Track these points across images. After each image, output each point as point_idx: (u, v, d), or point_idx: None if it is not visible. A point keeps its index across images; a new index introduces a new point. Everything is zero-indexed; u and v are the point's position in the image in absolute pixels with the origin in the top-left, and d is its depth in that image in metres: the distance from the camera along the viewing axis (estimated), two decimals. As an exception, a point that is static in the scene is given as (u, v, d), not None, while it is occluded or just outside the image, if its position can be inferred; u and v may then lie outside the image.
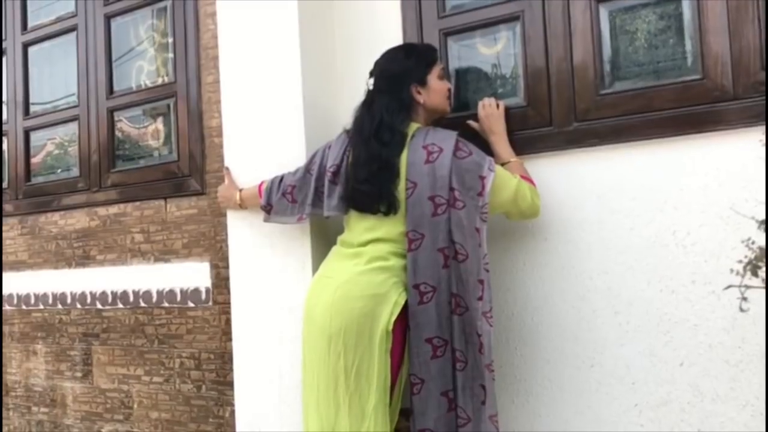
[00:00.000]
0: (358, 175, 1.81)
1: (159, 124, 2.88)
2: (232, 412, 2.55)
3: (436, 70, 1.90)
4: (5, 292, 3.30)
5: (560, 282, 2.00)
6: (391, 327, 1.74)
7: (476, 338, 1.72)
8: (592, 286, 1.96)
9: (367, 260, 1.80)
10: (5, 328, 3.30)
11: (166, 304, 2.77)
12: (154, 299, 2.80)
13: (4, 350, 3.31)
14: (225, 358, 2.60)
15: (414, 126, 1.84)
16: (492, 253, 1.87)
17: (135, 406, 2.85)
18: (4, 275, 3.31)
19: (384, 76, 1.87)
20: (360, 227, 1.86)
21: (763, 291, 1.26)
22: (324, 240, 2.18)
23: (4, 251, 3.32)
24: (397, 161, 1.78)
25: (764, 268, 1.18)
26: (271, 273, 2.27)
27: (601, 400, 1.95)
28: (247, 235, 2.32)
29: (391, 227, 1.80)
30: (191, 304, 2.70)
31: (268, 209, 2.09)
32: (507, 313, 2.07)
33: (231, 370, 2.57)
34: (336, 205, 1.89)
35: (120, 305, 2.90)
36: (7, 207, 3.32)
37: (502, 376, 2.04)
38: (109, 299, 2.93)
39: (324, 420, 1.78)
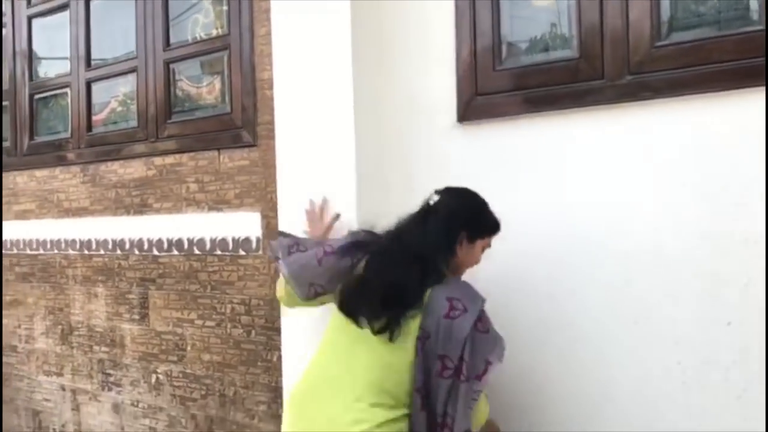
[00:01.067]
0: (378, 288, 1.65)
1: (214, 77, 2.93)
2: (280, 357, 2.63)
3: (487, 240, 1.81)
4: (68, 236, 3.46)
5: (606, 239, 1.98)
6: None
7: None
8: (640, 241, 1.93)
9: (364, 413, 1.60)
10: (69, 271, 3.47)
11: (218, 252, 2.86)
12: (208, 247, 2.89)
13: (68, 292, 3.49)
14: (273, 305, 2.68)
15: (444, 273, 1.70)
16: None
17: (188, 348, 2.98)
18: (67, 221, 3.46)
19: (454, 204, 1.76)
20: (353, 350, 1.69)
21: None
22: (368, 195, 2.22)
23: (67, 198, 3.47)
24: (423, 297, 1.63)
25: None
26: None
27: (646, 357, 1.94)
28: (296, 187, 2.37)
29: (395, 374, 1.62)
30: (242, 253, 2.78)
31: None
32: (554, 259, 2.07)
33: (279, 316, 2.65)
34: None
35: (175, 252, 3.01)
36: (70, 155, 3.46)
37: (549, 330, 2.05)
38: (165, 246, 3.05)
39: None
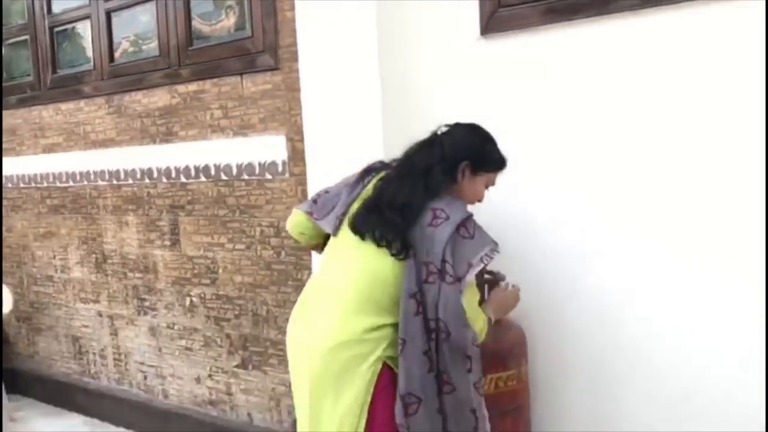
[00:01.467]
0: (389, 202, 1.72)
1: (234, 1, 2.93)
2: (309, 275, 2.72)
3: (490, 176, 1.84)
4: (97, 168, 3.53)
5: (634, 148, 2.01)
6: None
7: (470, 415, 1.68)
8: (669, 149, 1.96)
9: (348, 327, 1.68)
10: (99, 201, 3.56)
11: (245, 177, 2.92)
12: (234, 172, 2.95)
13: (100, 222, 3.59)
14: (301, 226, 2.75)
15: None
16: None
17: (220, 271, 3.08)
18: (95, 152, 3.53)
19: (453, 141, 1.79)
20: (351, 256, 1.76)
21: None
22: (392, 111, 2.24)
23: (93, 130, 3.53)
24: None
25: None
26: (344, 145, 2.37)
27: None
28: (321, 109, 2.40)
29: (382, 286, 1.69)
30: (269, 176, 2.84)
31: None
32: (580, 168, 2.11)
33: (307, 237, 2.73)
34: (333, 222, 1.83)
35: (202, 178, 3.08)
36: (93, 87, 3.49)
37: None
38: (192, 173, 3.11)
39: None
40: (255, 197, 2.91)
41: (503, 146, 1.85)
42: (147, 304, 3.42)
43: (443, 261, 1.63)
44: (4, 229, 4.17)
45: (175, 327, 3.31)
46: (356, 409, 1.67)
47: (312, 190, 2.49)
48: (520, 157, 1.98)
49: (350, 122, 2.40)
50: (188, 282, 3.21)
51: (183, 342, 3.28)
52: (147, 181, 3.31)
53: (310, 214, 1.92)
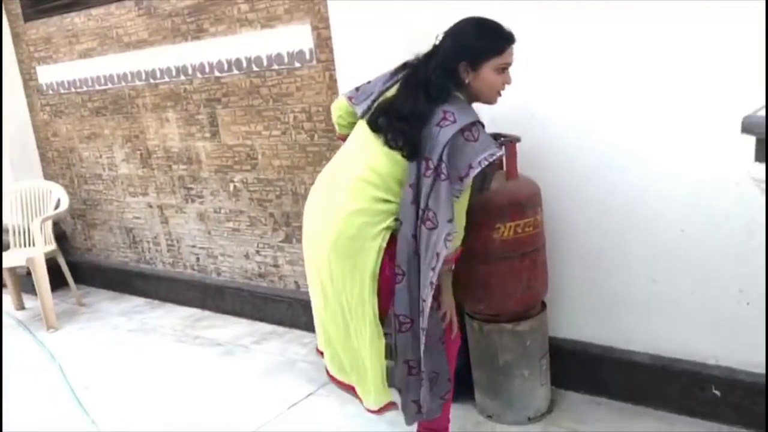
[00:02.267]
0: (396, 111, 1.87)
1: None
2: (342, 154, 2.99)
3: (495, 62, 1.88)
4: (133, 69, 3.76)
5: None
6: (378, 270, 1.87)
7: (419, 304, 1.86)
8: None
9: (361, 196, 1.88)
10: (138, 101, 3.81)
11: (275, 67, 3.14)
12: (265, 63, 3.16)
13: (141, 120, 3.85)
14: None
15: (456, 96, 1.87)
16: None
17: (259, 157, 3.36)
18: (130, 54, 3.74)
19: (448, 40, 1.90)
20: (360, 151, 1.94)
21: None
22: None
23: (126, 32, 3.72)
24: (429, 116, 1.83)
25: None
26: (369, 30, 2.55)
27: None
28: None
29: (393, 167, 1.86)
30: (297, 65, 3.05)
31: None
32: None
33: (338, 119, 2.97)
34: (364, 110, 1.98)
35: (235, 71, 3.30)
36: (122, -9, 3.66)
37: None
38: (225, 67, 3.33)
39: (333, 337, 2.05)
40: (286, 85, 3.13)
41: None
42: (193, 192, 3.73)
43: (440, 160, 1.77)
44: (49, 133, 4.45)
45: (222, 211, 3.63)
46: (369, 273, 1.88)
47: (340, 75, 2.72)
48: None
49: (374, 6, 2.56)
50: (230, 169, 3.51)
51: (230, 224, 3.62)
52: (182, 77, 3.54)
53: (350, 99, 2.08)
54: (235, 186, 3.52)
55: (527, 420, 2.40)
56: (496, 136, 2.29)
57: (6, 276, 4.21)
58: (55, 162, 4.52)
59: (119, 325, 3.84)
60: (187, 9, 3.39)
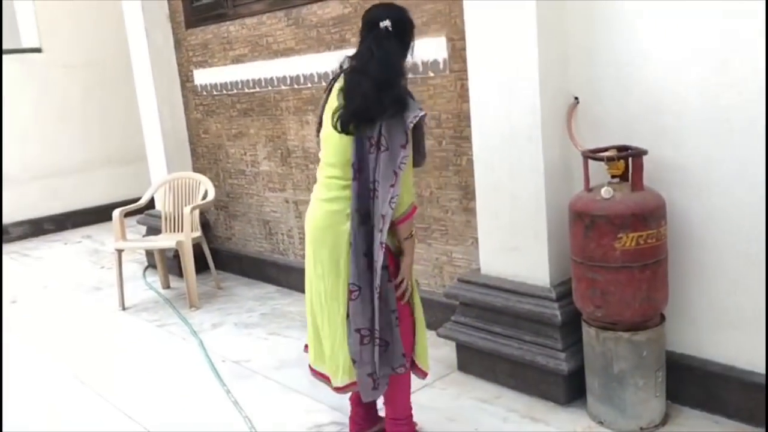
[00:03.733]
0: (360, 99, 2.06)
1: None
2: (468, 160, 3.13)
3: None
4: (279, 74, 4.09)
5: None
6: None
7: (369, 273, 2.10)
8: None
9: (328, 189, 2.19)
10: (282, 104, 4.14)
11: (410, 76, 3.32)
12: (400, 71, 3.36)
13: (283, 122, 4.19)
14: (461, 117, 3.14)
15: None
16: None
17: (389, 159, 3.56)
18: (277, 61, 4.08)
19: (401, 24, 2.17)
20: (333, 148, 2.16)
21: None
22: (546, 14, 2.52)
23: (275, 41, 4.07)
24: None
25: None
26: (502, 44, 2.68)
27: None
28: (482, 10, 2.71)
29: (342, 155, 2.11)
30: (431, 74, 3.23)
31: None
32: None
33: (466, 126, 3.11)
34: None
35: (372, 79, 3.52)
36: (273, 2, 4.00)
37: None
38: (363, 74, 3.56)
39: (318, 322, 2.29)
40: (419, 93, 3.31)
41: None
42: (326, 190, 4.00)
43: (379, 134, 2.03)
44: (201, 130, 4.92)
45: (351, 209, 3.87)
46: (344, 255, 2.15)
47: (474, 85, 2.85)
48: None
49: (507, 22, 2.68)
50: (361, 170, 3.74)
51: (358, 222, 3.85)
52: (324, 84, 3.82)
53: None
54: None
55: (639, 430, 2.42)
56: (622, 148, 2.36)
57: (156, 257, 4.70)
58: (204, 157, 4.97)
59: (253, 308, 4.19)
60: (332, 20, 3.66)
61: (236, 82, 4.46)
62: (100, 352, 3.71)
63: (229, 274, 4.88)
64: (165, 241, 4.37)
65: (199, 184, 4.63)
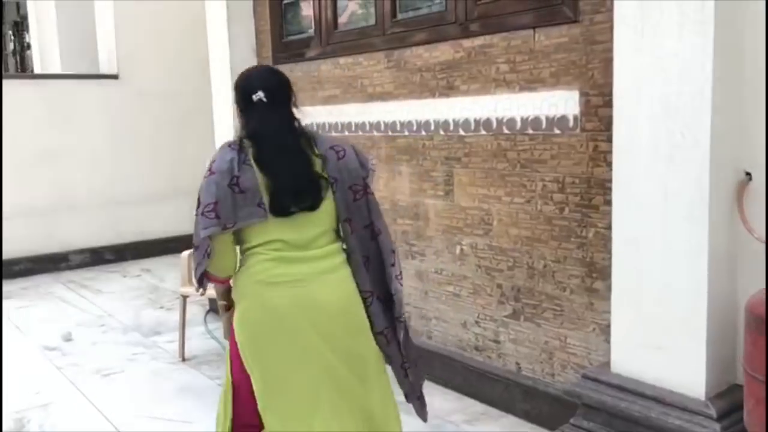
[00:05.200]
0: (293, 181, 1.93)
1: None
2: (597, 233, 2.70)
3: None
4: (372, 119, 3.76)
5: None
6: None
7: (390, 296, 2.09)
8: None
9: (331, 257, 2.04)
10: (373, 151, 3.80)
11: (530, 131, 2.94)
12: (518, 126, 2.98)
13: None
14: (591, 183, 2.72)
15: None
16: None
17: (494, 222, 3.16)
18: (371, 105, 3.76)
19: (283, 88, 2.08)
20: (290, 228, 1.97)
21: None
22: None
23: (371, 83, 3.74)
24: (315, 162, 2.00)
25: None
26: (662, 101, 2.27)
27: None
28: (632, 64, 2.32)
29: (325, 220, 2.01)
30: (557, 131, 2.83)
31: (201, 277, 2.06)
32: None
33: (597, 194, 2.70)
34: (254, 212, 1.93)
35: (482, 132, 3.15)
36: (373, 43, 3.69)
37: None
38: (472, 126, 3.19)
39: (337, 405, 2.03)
40: (539, 152, 2.92)
41: None
42: (415, 249, 3.61)
43: (364, 179, 2.04)
44: (278, 173, 4.61)
45: (443, 273, 3.47)
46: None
47: (618, 147, 2.44)
48: None
49: (674, 72, 2.25)
50: (459, 231, 3.34)
51: (450, 288, 3.44)
52: (423, 133, 3.46)
53: (227, 227, 1.94)
54: (462, 249, 3.34)
55: None
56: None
57: (222, 304, 4.35)
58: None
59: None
60: (440, 65, 3.32)
61: (323, 124, 4.14)
62: (154, 413, 3.35)
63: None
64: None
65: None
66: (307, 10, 4.22)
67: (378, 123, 3.74)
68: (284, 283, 1.95)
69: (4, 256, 6.22)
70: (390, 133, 3.67)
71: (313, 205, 1.95)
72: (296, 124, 2.04)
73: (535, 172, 2.95)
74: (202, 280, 2.04)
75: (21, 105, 6.27)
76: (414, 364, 2.20)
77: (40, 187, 6.37)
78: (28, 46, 10.09)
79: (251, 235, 1.98)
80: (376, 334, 2.06)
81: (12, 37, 10.96)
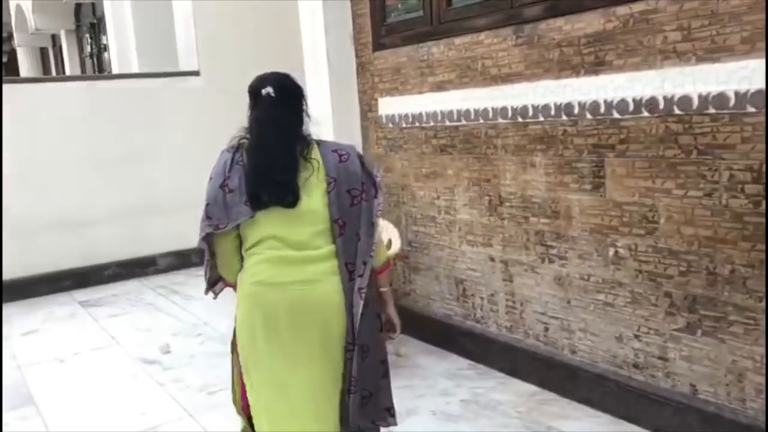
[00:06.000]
0: (266, 172, 1.92)
1: None
2: (812, 232, 2.20)
3: None
4: (497, 104, 3.33)
5: None
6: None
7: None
8: None
9: (328, 260, 1.98)
10: (498, 141, 3.37)
11: (711, 111, 2.45)
12: (695, 105, 2.50)
13: (496, 162, 3.41)
14: (800, 171, 2.23)
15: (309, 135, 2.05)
16: None
17: (661, 221, 2.68)
18: (495, 88, 3.32)
19: (294, 91, 2.03)
20: (281, 225, 1.96)
21: None
22: None
23: (495, 64, 3.31)
24: (310, 157, 1.97)
25: None
26: None
27: None
28: None
29: (319, 219, 1.97)
30: (751, 109, 2.34)
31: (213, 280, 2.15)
32: None
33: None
34: (241, 210, 1.94)
35: (644, 113, 2.67)
36: (497, 18, 3.25)
37: None
38: (630, 107, 2.72)
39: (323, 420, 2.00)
40: (725, 135, 2.43)
41: None
42: (554, 251, 3.17)
43: (362, 185, 2.00)
44: (381, 168, 4.24)
45: (591, 279, 3.01)
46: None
47: None
48: None
49: None
50: (613, 231, 2.88)
51: (601, 296, 2.98)
52: (564, 118, 3.01)
53: (218, 228, 1.97)
54: (617, 252, 2.88)
55: None
56: None
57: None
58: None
59: (448, 390, 3.39)
60: (586, 38, 2.85)
61: (434, 113, 3.74)
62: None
63: (406, 337, 4.12)
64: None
65: (381, 230, 3.92)
66: (413, -13, 3.81)
67: (504, 109, 3.30)
68: (279, 285, 1.94)
69: (93, 261, 6.11)
70: (520, 120, 3.23)
71: (292, 201, 1.92)
72: (300, 126, 2.02)
73: (718, 160, 2.46)
74: (214, 284, 2.14)
75: (103, 106, 6.11)
76: (366, 394, 2.05)
77: (125, 188, 6.21)
78: (105, 48, 10.08)
79: (247, 235, 2.00)
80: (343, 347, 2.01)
81: (89, 39, 10.98)
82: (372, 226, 2.01)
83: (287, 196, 1.91)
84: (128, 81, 6.46)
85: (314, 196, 1.94)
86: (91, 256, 6.08)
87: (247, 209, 1.93)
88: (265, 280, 1.94)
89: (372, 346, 2.03)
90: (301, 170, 1.94)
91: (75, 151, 5.95)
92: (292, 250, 1.95)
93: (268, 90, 1.97)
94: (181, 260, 6.51)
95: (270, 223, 1.94)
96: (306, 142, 1.99)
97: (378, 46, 4.10)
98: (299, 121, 2.01)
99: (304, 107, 2.05)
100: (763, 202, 2.35)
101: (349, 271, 1.98)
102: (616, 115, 2.78)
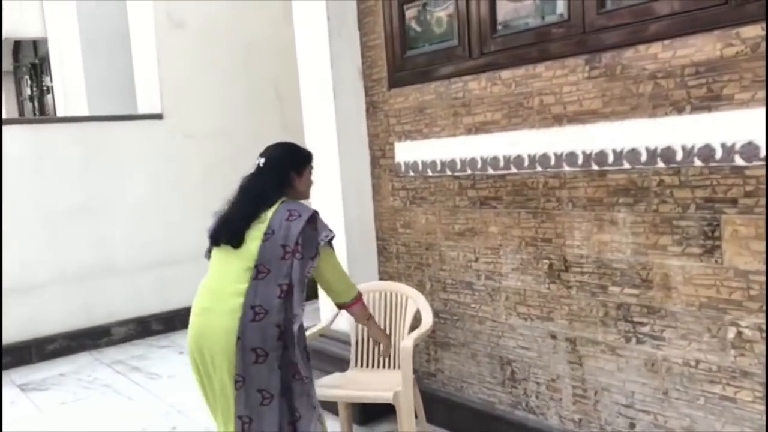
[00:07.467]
0: (236, 216, 2.39)
1: None
2: None
3: (310, 169, 2.57)
4: (560, 149, 2.75)
5: None
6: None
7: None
8: None
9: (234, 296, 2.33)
10: (562, 192, 2.78)
11: (714, 163, 1.92)
12: None
13: (560, 218, 2.81)
14: None
15: (283, 198, 2.43)
16: None
17: (809, 294, 2.11)
18: (558, 130, 2.75)
19: (271, 160, 2.49)
20: (221, 260, 2.42)
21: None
22: None
23: (559, 101, 2.74)
24: (265, 214, 2.36)
25: None
26: None
27: None
28: None
29: (251, 258, 2.32)
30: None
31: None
32: None
33: None
34: (207, 246, 2.52)
35: (782, 159, 2.13)
36: (563, 45, 2.70)
37: None
38: (761, 152, 2.17)
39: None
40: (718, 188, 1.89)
41: None
42: (645, 329, 2.56)
43: (296, 244, 2.32)
44: (399, 223, 3.60)
45: (700, 366, 2.41)
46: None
47: None
48: None
49: None
50: (734, 306, 2.29)
51: (716, 388, 2.37)
52: (659, 165, 2.44)
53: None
54: (738, 332, 2.29)
55: None
56: None
57: (340, 402, 3.28)
58: (399, 259, 3.63)
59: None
60: (693, 67, 2.31)
61: (472, 160, 3.13)
62: None
63: (432, 427, 3.42)
64: (375, 391, 2.96)
65: (406, 300, 3.25)
66: (442, 12, 3.24)
67: (572, 154, 2.72)
68: (197, 313, 2.38)
69: (36, 334, 5.19)
70: (595, 167, 2.65)
71: (237, 244, 2.34)
72: (275, 190, 2.42)
73: None
74: None
75: (51, 152, 5.30)
76: (247, 421, 2.35)
77: (75, 247, 5.36)
78: (48, 90, 9.19)
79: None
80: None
81: (28, 81, 10.06)
82: (302, 283, 2.33)
83: (234, 239, 2.34)
84: (79, 125, 5.63)
85: (253, 242, 2.32)
86: (34, 327, 5.16)
87: (208, 246, 2.48)
88: (193, 308, 2.41)
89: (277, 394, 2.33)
90: (254, 223, 2.33)
91: (17, 205, 5.09)
92: (218, 283, 2.38)
93: (259, 161, 2.48)
94: (140, 328, 5.65)
95: (216, 257, 2.44)
96: (270, 203, 2.37)
97: (395, 81, 3.50)
98: (277, 186, 2.43)
99: (296, 167, 2.50)
100: None
101: (255, 313, 2.28)
102: (739, 161, 2.23)
